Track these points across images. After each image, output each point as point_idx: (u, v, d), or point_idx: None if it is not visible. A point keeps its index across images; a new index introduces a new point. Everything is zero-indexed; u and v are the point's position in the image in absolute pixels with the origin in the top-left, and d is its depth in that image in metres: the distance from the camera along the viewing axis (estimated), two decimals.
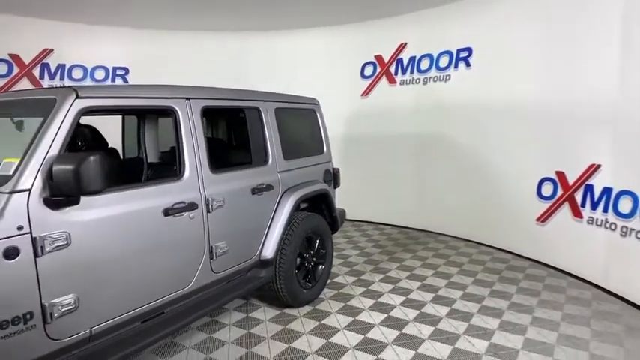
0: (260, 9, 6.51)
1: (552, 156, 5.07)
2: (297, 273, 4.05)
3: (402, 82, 6.99)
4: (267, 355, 3.35)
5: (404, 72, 6.96)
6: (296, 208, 3.97)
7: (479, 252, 5.89)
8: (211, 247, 3.19)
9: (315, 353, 3.37)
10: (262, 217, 3.73)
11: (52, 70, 7.11)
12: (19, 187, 2.13)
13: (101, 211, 2.44)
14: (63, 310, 2.28)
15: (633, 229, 4.10)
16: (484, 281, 4.81)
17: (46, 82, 7.05)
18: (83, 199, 2.28)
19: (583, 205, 4.74)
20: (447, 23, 6.31)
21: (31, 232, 2.14)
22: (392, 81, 7.10)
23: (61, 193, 2.20)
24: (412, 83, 6.86)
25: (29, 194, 2.16)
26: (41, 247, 2.17)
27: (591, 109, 4.55)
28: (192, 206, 3.00)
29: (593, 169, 4.57)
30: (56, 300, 2.25)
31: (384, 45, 7.09)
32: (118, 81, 7.61)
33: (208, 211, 3.13)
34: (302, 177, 4.22)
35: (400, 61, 6.98)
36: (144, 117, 3.46)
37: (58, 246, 2.24)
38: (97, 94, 2.54)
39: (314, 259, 4.29)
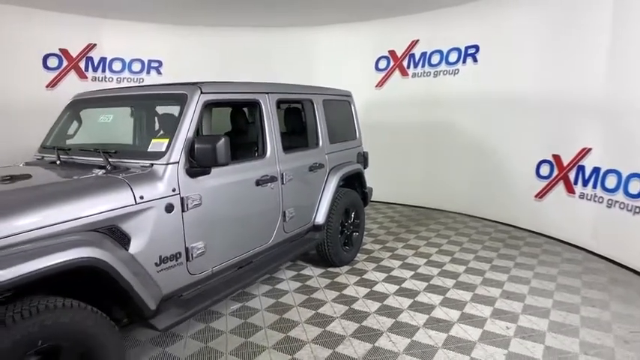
0: (283, 7, 7.18)
1: (549, 141, 5.91)
2: (340, 237, 4.86)
3: (414, 75, 7.77)
4: (325, 299, 4.17)
5: (415, 66, 7.74)
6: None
7: (483, 225, 6.75)
8: (284, 212, 3.99)
9: (363, 298, 4.19)
10: (316, 190, 4.53)
11: (95, 63, 7.77)
12: (172, 160, 2.91)
13: (220, 180, 3.22)
14: (197, 253, 3.06)
15: (617, 201, 4.97)
16: (491, 247, 5.66)
17: (90, 75, 7.72)
18: (213, 169, 3.06)
19: (576, 182, 5.59)
20: (456, 22, 7.08)
21: (179, 194, 2.92)
22: (404, 74, 7.88)
23: (199, 165, 2.97)
24: (423, 76, 7.64)
25: (178, 166, 2.93)
26: (186, 204, 2.95)
27: (584, 100, 5.38)
28: (272, 179, 3.79)
29: (585, 151, 5.42)
30: (194, 245, 3.03)
31: (397, 41, 7.85)
32: (152, 73, 8.30)
33: (282, 183, 3.92)
34: (342, 158, 5.01)
35: (412, 55, 7.76)
36: (237, 107, 4.22)
37: (195, 205, 3.02)
38: (213, 89, 3.30)
39: (351, 227, 5.11)
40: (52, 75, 7.33)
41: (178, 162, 2.93)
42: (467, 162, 7.13)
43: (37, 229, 2.21)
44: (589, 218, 5.41)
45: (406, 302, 4.09)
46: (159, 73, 8.29)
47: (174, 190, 2.88)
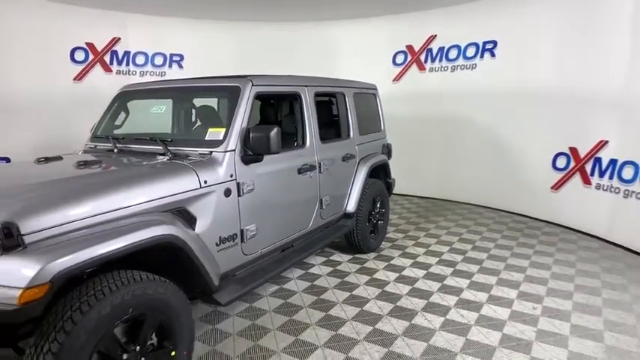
0: (303, 1, 7.34)
1: (566, 134, 6.11)
2: (368, 225, 5.08)
3: (431, 70, 7.96)
4: (357, 282, 4.40)
5: (433, 60, 7.93)
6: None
7: (500, 216, 6.97)
8: (321, 199, 4.21)
9: (394, 281, 4.42)
10: (347, 179, 4.75)
11: (120, 57, 7.97)
12: (229, 148, 3.12)
13: (269, 167, 3.44)
14: (250, 234, 3.29)
15: (634, 191, 5.18)
16: (510, 236, 5.88)
17: (114, 68, 7.92)
18: (265, 157, 3.28)
19: (592, 174, 5.80)
20: (473, 18, 7.26)
21: (236, 179, 3.14)
22: (422, 68, 8.07)
23: (253, 152, 3.19)
24: (440, 71, 7.83)
25: (234, 153, 3.14)
26: (242, 189, 3.17)
27: (601, 93, 5.57)
28: (311, 167, 4.01)
29: (602, 144, 5.63)
30: (248, 227, 3.26)
31: (415, 36, 8.04)
32: (174, 66, 8.50)
33: (320, 172, 4.14)
34: (369, 150, 5.22)
35: (430, 50, 7.95)
36: (279, 99, 4.43)
37: (249, 190, 3.24)
38: (262, 82, 3.51)
39: (377, 216, 5.33)
40: (79, 68, 7.53)
41: (235, 150, 3.14)
42: (483, 154, 7.34)
43: (120, 208, 2.43)
44: (605, 208, 5.62)
45: (435, 285, 4.32)
46: (180, 67, 8.49)
47: (231, 176, 3.10)
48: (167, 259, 2.67)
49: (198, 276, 2.73)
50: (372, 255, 5.18)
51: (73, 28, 7.35)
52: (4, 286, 1.88)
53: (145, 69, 8.23)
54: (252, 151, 3.18)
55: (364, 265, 4.85)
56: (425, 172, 8.16)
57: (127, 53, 8.03)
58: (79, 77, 7.50)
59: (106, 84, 7.62)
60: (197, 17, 8.29)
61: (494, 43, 7.05)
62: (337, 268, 4.79)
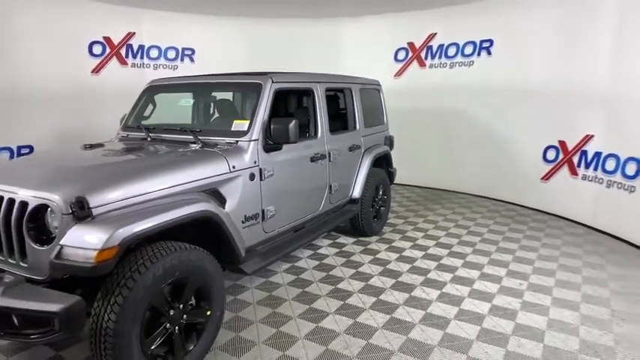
0: None
1: (556, 128, 6.55)
2: (371, 210, 5.52)
3: (431, 66, 8.37)
4: (362, 261, 4.85)
5: (433, 57, 8.34)
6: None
7: (493, 204, 7.42)
8: (330, 185, 4.64)
9: (395, 261, 4.87)
10: (354, 168, 5.18)
11: (135, 51, 8.35)
12: (253, 138, 3.55)
13: (287, 155, 3.87)
14: (270, 215, 3.72)
15: (616, 182, 5.63)
16: (502, 222, 6.34)
17: (130, 61, 8.31)
18: (284, 146, 3.70)
19: (579, 165, 6.25)
20: (471, 18, 7.66)
21: (259, 165, 3.57)
22: (422, 64, 8.48)
23: (273, 142, 3.61)
24: (440, 67, 8.25)
25: (257, 143, 3.57)
26: (263, 174, 3.60)
27: (587, 91, 5.99)
28: (322, 156, 4.44)
29: (588, 138, 6.07)
30: (268, 208, 3.69)
31: (416, 33, 8.44)
32: (186, 60, 8.89)
33: (330, 160, 4.57)
34: (373, 141, 5.65)
35: (430, 47, 8.36)
36: (294, 94, 4.84)
37: (269, 175, 3.67)
38: (281, 79, 3.93)
39: (379, 202, 5.77)
40: (97, 61, 7.91)
41: (258, 139, 3.57)
42: (478, 147, 7.78)
43: (166, 188, 2.86)
44: (590, 197, 6.07)
45: (433, 264, 4.77)
46: (192, 60, 8.87)
47: (255, 163, 3.53)
48: (201, 233, 3.10)
49: (229, 248, 3.17)
50: (375, 238, 5.63)
51: (91, 23, 7.71)
52: (83, 248, 2.31)
53: (158, 62, 8.61)
54: (272, 141, 3.60)
55: (368, 247, 5.30)
56: (424, 163, 8.60)
57: (141, 47, 8.41)
58: (97, 70, 7.89)
59: (121, 77, 8.03)
60: (207, 13, 8.66)
61: (491, 42, 7.45)
62: (343, 249, 5.23)
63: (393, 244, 5.39)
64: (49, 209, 2.46)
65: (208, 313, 2.95)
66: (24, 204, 2.50)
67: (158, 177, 2.85)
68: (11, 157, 6.67)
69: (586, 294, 4.09)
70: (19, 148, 6.80)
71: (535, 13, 6.75)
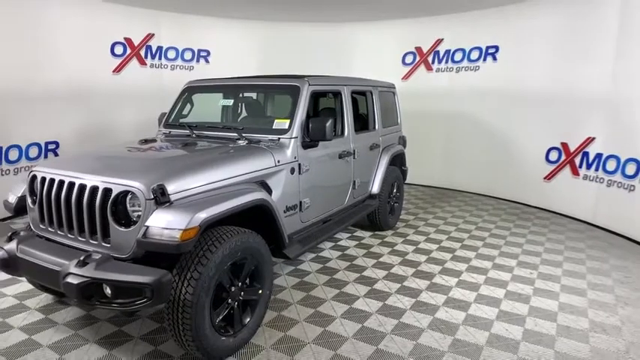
0: (323, 4, 8.06)
1: (558, 131, 6.96)
2: (387, 206, 5.88)
3: (438, 70, 8.76)
4: (381, 252, 5.20)
5: (440, 62, 8.73)
6: None
7: (497, 203, 7.81)
8: (354, 181, 4.99)
9: (412, 252, 5.23)
10: (373, 165, 5.54)
11: (153, 51, 8.66)
12: (293, 135, 3.89)
13: (321, 152, 4.22)
14: (306, 206, 4.07)
15: (616, 181, 6.04)
16: (507, 219, 6.73)
17: (149, 61, 8.61)
18: (320, 143, 4.05)
19: (580, 166, 6.65)
20: (477, 25, 8.05)
21: (298, 161, 3.91)
22: (429, 68, 8.87)
23: (310, 139, 3.96)
24: (446, 71, 8.64)
25: (297, 140, 3.92)
26: (302, 169, 3.94)
27: (589, 95, 6.40)
28: (348, 154, 4.79)
29: (590, 140, 6.47)
30: (304, 200, 4.03)
31: (424, 39, 8.82)
32: (201, 61, 9.21)
33: (354, 158, 4.92)
34: (389, 140, 6.01)
35: (437, 52, 8.74)
36: (323, 96, 5.19)
37: (306, 169, 4.01)
38: (316, 82, 4.27)
39: (394, 198, 6.14)
40: (118, 61, 8.19)
41: (297, 137, 3.91)
42: (483, 149, 8.17)
43: (225, 179, 3.20)
44: (591, 196, 6.48)
45: (447, 256, 5.14)
46: (207, 62, 9.19)
47: (295, 158, 3.87)
48: (253, 220, 3.44)
49: (277, 233, 3.51)
50: (390, 232, 5.99)
51: (113, 24, 8.00)
52: (168, 228, 2.63)
53: (175, 63, 8.91)
54: (310, 138, 3.95)
55: (385, 240, 5.66)
56: (430, 163, 8.99)
57: (159, 48, 8.71)
58: (118, 69, 8.17)
59: (141, 76, 8.34)
60: (223, 16, 8.99)
61: (497, 48, 7.85)
62: (362, 242, 5.59)
63: (407, 238, 5.75)
64: (130, 195, 2.78)
65: (260, 291, 3.29)
66: (107, 191, 2.82)
67: (220, 169, 3.19)
68: (40, 152, 6.94)
69: (591, 282, 4.47)
70: (47, 144, 7.07)
71: (539, 21, 7.15)
